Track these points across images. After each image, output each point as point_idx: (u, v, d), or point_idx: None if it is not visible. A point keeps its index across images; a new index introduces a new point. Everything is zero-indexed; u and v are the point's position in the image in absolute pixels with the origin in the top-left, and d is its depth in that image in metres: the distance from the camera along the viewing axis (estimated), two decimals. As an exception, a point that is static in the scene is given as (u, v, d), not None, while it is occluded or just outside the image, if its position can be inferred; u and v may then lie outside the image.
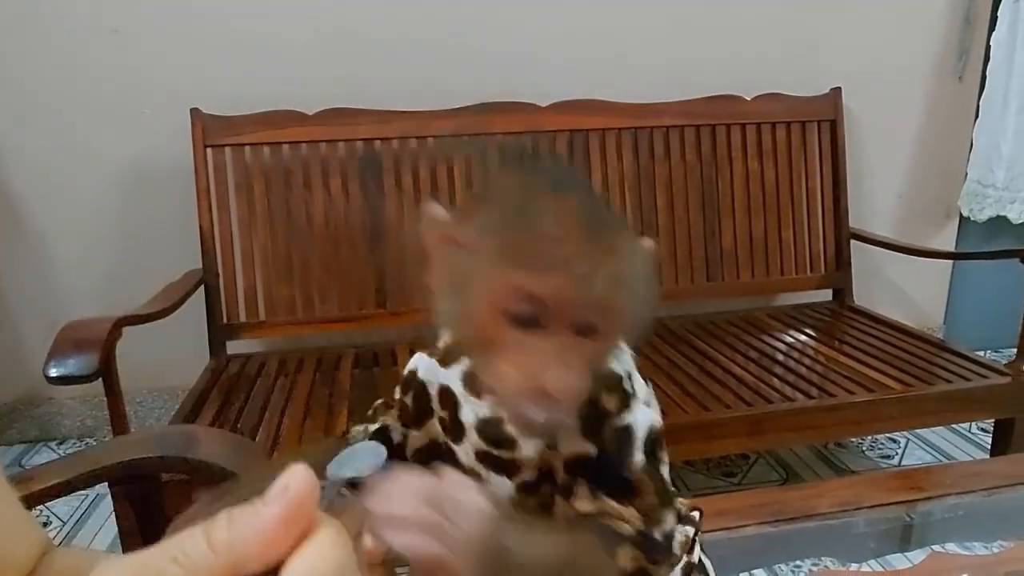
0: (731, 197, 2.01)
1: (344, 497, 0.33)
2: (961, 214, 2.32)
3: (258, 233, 1.79)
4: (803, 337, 1.86)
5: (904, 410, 1.49)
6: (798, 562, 0.73)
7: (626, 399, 0.43)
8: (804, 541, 0.75)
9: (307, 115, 1.79)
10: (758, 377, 1.59)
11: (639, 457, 0.42)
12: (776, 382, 1.56)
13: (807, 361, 1.68)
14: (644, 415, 0.43)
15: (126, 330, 1.35)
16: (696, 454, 1.39)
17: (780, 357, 1.71)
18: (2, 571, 0.46)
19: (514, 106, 1.89)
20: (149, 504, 0.78)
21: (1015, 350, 1.62)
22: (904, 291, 2.38)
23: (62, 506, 1.72)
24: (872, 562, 0.75)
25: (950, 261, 2.40)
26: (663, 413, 1.29)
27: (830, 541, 0.74)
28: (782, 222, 2.05)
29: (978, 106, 2.19)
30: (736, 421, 1.41)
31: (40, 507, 1.70)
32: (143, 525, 0.79)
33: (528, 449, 0.45)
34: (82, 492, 1.77)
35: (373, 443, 0.36)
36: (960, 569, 0.69)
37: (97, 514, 1.71)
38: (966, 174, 2.25)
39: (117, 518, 1.00)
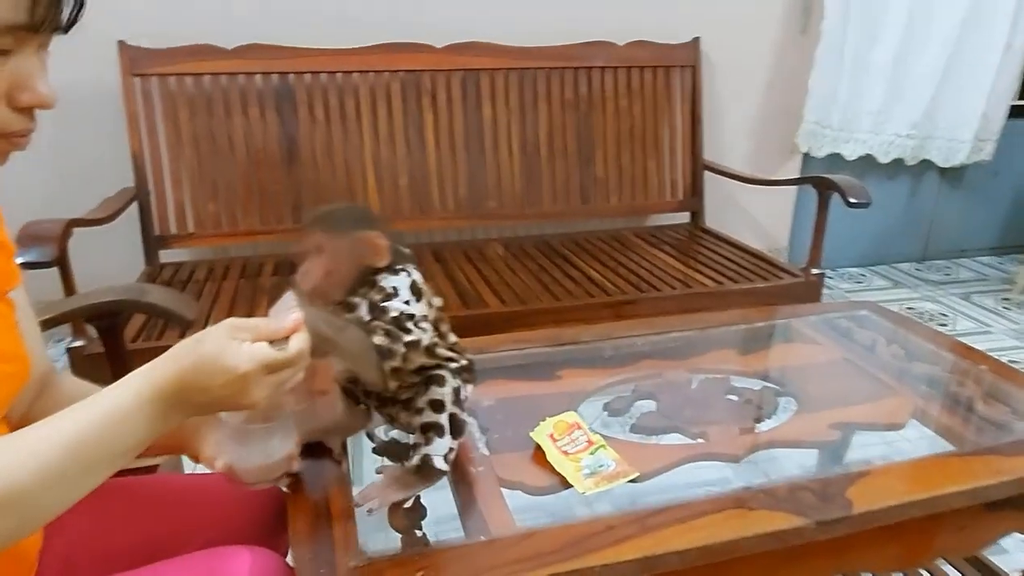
0: (603, 131, 2.35)
1: None
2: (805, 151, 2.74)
3: (185, 155, 2.03)
4: (655, 251, 2.24)
5: (713, 302, 1.89)
6: (559, 372, 1.09)
7: (388, 297, 0.77)
8: (566, 359, 1.11)
9: (226, 49, 2.02)
10: (607, 278, 1.96)
11: (391, 315, 0.75)
12: (620, 282, 1.94)
13: (647, 266, 2.06)
14: (398, 305, 0.76)
15: (71, 241, 1.60)
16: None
17: (631, 265, 2.09)
18: (24, 369, 0.70)
19: (413, 47, 2.15)
20: (114, 335, 1.09)
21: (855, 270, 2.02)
22: (755, 216, 2.80)
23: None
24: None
25: (795, 189, 2.83)
26: (523, 302, 1.63)
27: (587, 360, 1.11)
28: (647, 154, 2.41)
29: (815, 57, 2.57)
30: (576, 308, 1.78)
31: None
32: (110, 355, 1.10)
33: None
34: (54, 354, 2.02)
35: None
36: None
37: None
38: (804, 116, 2.65)
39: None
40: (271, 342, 0.60)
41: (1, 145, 0.60)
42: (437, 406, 0.79)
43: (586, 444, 0.87)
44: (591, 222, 2.42)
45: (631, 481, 0.83)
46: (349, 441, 0.90)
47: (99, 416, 0.54)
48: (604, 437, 0.90)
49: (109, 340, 1.09)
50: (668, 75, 2.40)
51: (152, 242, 2.03)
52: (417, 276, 0.81)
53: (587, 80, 2.32)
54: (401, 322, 0.75)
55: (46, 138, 2.12)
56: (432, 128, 2.21)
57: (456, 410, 0.80)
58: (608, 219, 2.43)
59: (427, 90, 2.19)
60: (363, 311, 0.78)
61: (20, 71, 0.56)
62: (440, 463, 0.79)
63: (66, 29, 0.60)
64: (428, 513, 0.79)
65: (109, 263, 2.02)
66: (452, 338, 0.85)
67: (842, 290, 2.87)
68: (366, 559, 0.70)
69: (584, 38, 2.30)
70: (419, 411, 0.80)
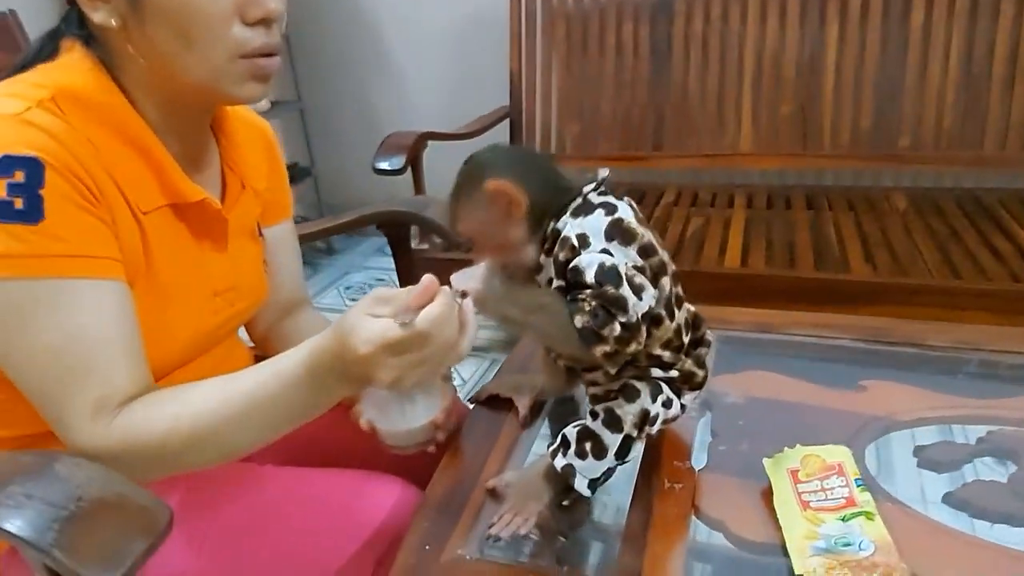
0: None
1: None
2: None
3: (558, 75, 2.01)
4: None
5: None
6: (866, 382, 0.74)
7: (575, 250, 0.57)
8: (887, 364, 0.74)
9: (606, -40, 1.91)
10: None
11: (588, 280, 0.55)
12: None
13: None
14: (592, 259, 0.56)
15: (443, 147, 1.74)
16: (933, 317, 1.29)
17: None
18: (257, 301, 0.75)
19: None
20: (401, 241, 1.14)
21: None
22: None
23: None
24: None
25: None
26: (902, 273, 1.25)
27: (922, 372, 0.72)
28: None
29: None
30: (977, 294, 1.26)
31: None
32: (396, 257, 1.16)
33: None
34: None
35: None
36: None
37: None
38: None
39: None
40: (397, 317, 0.51)
41: (250, 68, 0.60)
42: (614, 423, 0.60)
43: (843, 502, 0.57)
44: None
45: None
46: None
47: (275, 379, 0.56)
48: (883, 500, 0.58)
49: (396, 245, 1.14)
50: None
51: (518, 160, 2.10)
52: (625, 211, 0.59)
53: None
54: (605, 290, 0.55)
55: (445, 58, 2.36)
56: (836, 42, 1.78)
57: (635, 433, 0.60)
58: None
59: (836, -8, 1.75)
60: (552, 273, 0.61)
61: None
62: (582, 486, 0.61)
63: None
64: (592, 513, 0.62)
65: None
66: (679, 317, 0.62)
67: None
68: (464, 559, 0.57)
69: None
70: (593, 414, 0.62)
